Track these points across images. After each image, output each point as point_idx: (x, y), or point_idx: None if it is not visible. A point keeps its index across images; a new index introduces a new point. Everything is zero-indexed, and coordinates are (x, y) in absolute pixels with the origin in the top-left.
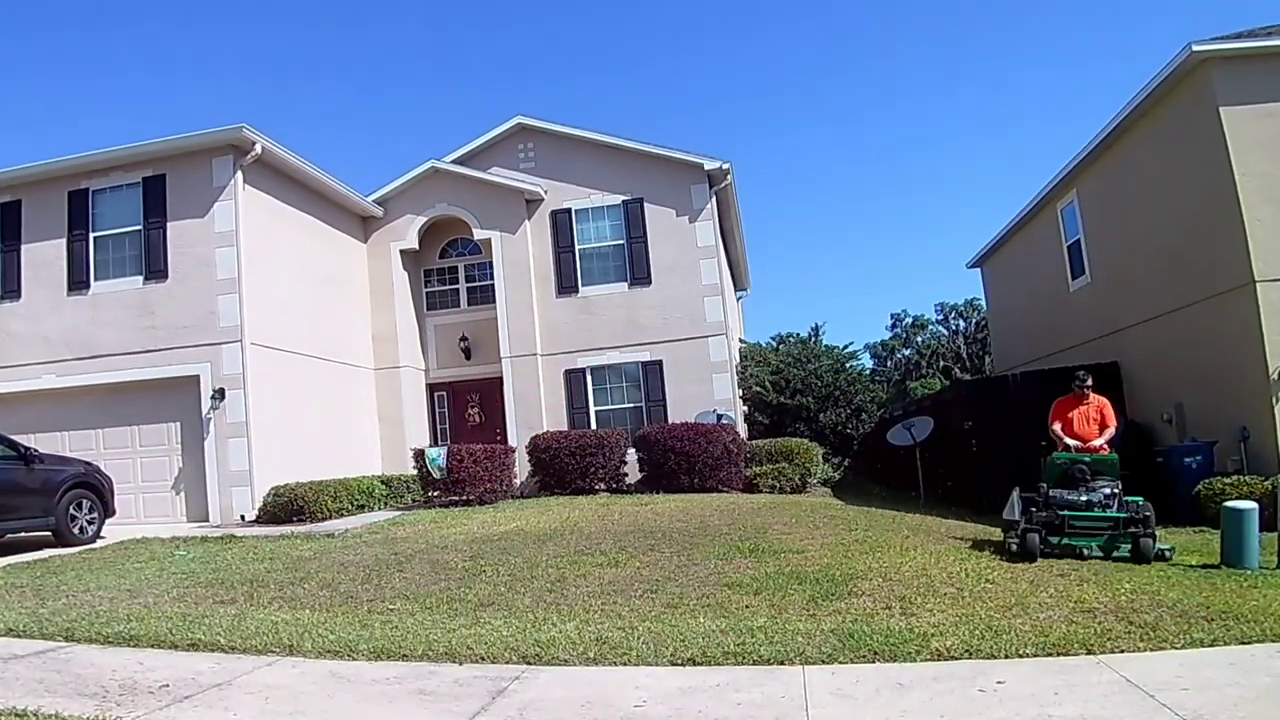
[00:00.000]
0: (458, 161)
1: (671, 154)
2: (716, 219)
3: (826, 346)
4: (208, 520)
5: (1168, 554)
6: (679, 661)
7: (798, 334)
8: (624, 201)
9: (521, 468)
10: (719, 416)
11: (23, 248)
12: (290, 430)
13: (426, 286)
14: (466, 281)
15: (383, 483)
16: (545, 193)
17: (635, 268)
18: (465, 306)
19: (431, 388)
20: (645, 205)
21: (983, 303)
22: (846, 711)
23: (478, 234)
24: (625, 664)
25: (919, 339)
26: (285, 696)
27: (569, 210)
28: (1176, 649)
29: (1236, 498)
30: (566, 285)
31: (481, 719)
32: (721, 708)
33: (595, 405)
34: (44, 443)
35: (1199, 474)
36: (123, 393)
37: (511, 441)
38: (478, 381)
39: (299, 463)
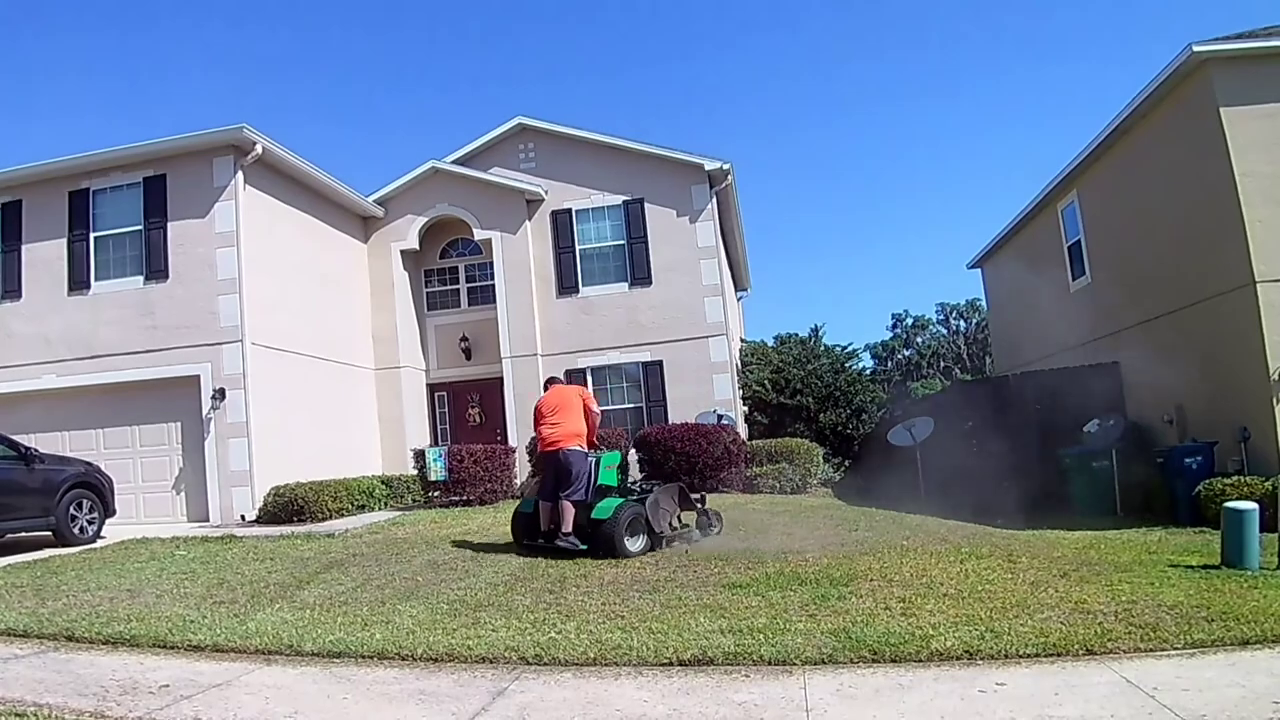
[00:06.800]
0: (458, 162)
1: (672, 154)
2: (717, 219)
3: (826, 346)
4: (208, 520)
5: None
6: (679, 662)
7: (798, 334)
8: (624, 202)
9: (522, 468)
10: (719, 417)
11: (23, 248)
12: (290, 430)
13: (427, 287)
14: (467, 282)
15: (383, 483)
16: (546, 193)
17: (636, 268)
18: (466, 307)
19: (432, 388)
20: (646, 205)
21: (983, 303)
22: (847, 712)
23: (478, 234)
24: (626, 664)
25: (920, 339)
26: (286, 697)
27: (569, 210)
28: (1176, 650)
29: (1237, 498)
30: (567, 285)
31: (482, 719)
32: (722, 708)
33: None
34: (44, 443)
35: (1199, 474)
36: (123, 393)
37: (512, 442)
38: (478, 382)
39: (299, 463)
